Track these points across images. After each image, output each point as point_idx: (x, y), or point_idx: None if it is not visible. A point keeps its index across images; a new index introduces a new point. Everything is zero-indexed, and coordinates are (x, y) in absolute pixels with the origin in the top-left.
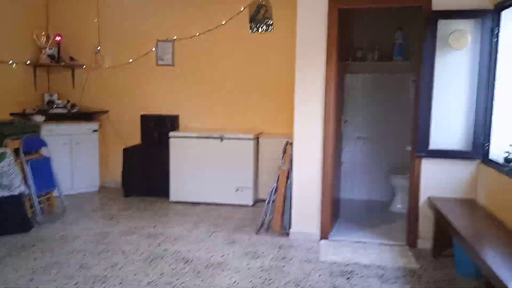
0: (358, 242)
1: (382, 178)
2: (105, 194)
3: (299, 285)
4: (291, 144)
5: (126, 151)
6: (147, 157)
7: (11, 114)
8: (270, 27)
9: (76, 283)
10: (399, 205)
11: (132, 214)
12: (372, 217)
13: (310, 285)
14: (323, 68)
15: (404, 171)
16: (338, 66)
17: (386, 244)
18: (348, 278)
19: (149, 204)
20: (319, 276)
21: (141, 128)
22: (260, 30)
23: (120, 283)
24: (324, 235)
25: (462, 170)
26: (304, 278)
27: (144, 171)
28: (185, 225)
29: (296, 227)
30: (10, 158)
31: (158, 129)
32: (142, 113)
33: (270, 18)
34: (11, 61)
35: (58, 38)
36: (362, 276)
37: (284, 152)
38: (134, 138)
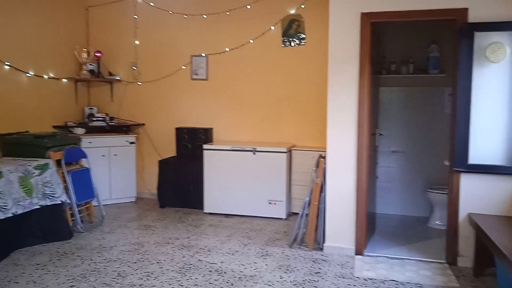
0: (395, 258)
1: (419, 193)
2: (141, 205)
3: None
4: (324, 157)
5: (162, 163)
6: (181, 169)
7: (54, 126)
8: (303, 41)
9: None
10: (438, 221)
11: (167, 224)
12: (408, 233)
13: None
14: (356, 81)
15: (442, 186)
16: (372, 80)
17: (424, 261)
18: None
19: (184, 215)
20: None
21: (176, 141)
22: (292, 44)
23: None
24: (358, 251)
25: (503, 186)
26: None
27: (179, 183)
28: (218, 236)
29: (330, 241)
30: (52, 168)
31: (192, 142)
32: (177, 126)
33: (303, 32)
34: (54, 76)
35: (98, 54)
36: None
37: (317, 165)
38: (169, 150)
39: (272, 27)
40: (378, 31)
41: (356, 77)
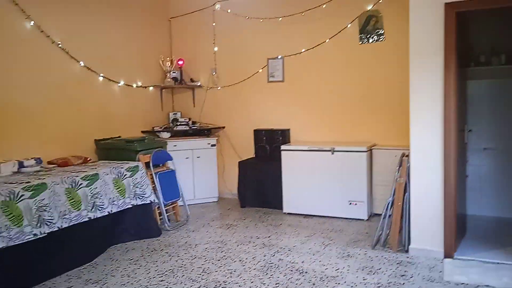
0: (489, 262)
1: None
2: (223, 205)
3: None
4: (407, 156)
5: (241, 164)
6: (260, 169)
7: (142, 131)
8: (381, 37)
9: (199, 287)
10: None
11: (248, 224)
12: (504, 235)
13: None
14: (440, 76)
15: None
16: (458, 73)
17: None
18: None
19: (264, 215)
20: None
21: (254, 142)
22: (370, 40)
23: None
24: (448, 253)
25: None
26: None
27: (258, 183)
28: (298, 236)
29: (415, 243)
30: (142, 171)
31: (270, 143)
32: (255, 128)
33: (381, 28)
34: (141, 85)
35: (180, 62)
36: None
37: (400, 164)
38: (248, 151)
39: (349, 25)
40: (464, 20)
41: (440, 71)
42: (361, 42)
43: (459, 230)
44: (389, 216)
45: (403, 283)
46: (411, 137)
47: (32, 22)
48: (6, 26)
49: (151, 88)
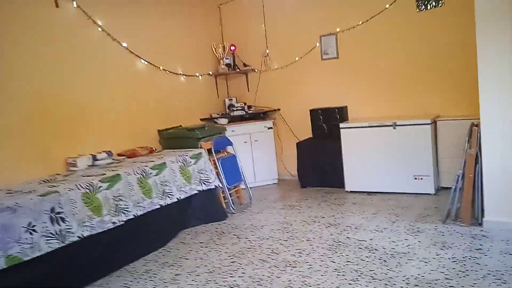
0: None
1: None
2: (283, 186)
3: (500, 279)
4: (477, 126)
5: (299, 145)
6: (319, 149)
7: (201, 119)
8: (440, 2)
9: (270, 266)
10: None
11: (310, 204)
12: None
13: None
14: (510, 40)
15: None
16: None
17: None
18: None
19: (325, 195)
20: None
21: (311, 122)
22: (429, 7)
23: (309, 268)
24: None
25: None
26: (506, 272)
27: (318, 163)
28: (364, 214)
29: (490, 216)
30: (205, 157)
31: (327, 122)
32: (310, 107)
33: None
34: (198, 74)
35: (232, 48)
36: None
37: (470, 135)
38: (305, 132)
39: None
40: None
41: (510, 35)
42: (418, 10)
43: None
44: (460, 189)
45: (480, 257)
46: (481, 106)
47: (99, 28)
48: (78, 35)
49: (206, 76)
